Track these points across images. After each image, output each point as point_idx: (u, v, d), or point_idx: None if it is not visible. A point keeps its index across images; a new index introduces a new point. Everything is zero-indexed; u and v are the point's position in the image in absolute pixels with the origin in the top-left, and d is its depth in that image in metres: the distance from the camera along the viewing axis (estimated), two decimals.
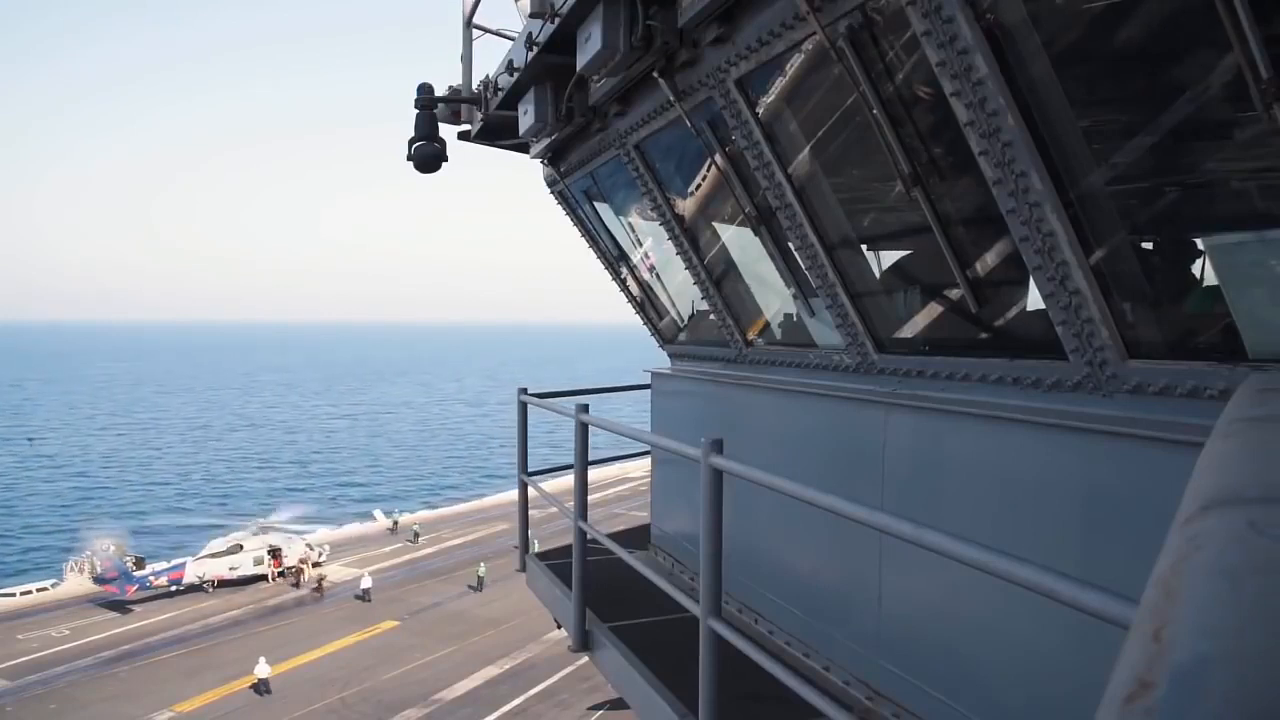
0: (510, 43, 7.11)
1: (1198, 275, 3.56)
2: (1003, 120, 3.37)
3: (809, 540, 5.70)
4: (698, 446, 3.59)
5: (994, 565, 2.03)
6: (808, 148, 4.97)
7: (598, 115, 6.68)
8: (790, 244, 5.33)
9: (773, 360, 6.34)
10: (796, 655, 5.70)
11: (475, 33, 7.70)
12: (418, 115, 7.71)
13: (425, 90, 7.75)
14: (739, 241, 6.26)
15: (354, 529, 60.41)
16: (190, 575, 46.48)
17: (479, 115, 7.86)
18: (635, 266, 8.24)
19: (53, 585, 47.88)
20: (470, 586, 47.95)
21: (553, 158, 8.04)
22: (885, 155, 4.16)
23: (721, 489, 3.62)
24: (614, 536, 6.37)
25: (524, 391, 7.82)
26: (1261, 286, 3.38)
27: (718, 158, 5.65)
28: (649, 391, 8.67)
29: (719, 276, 6.59)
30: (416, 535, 58.37)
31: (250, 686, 35.00)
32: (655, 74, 5.46)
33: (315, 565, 49.78)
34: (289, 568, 49.45)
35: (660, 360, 8.59)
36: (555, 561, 7.85)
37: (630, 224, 7.91)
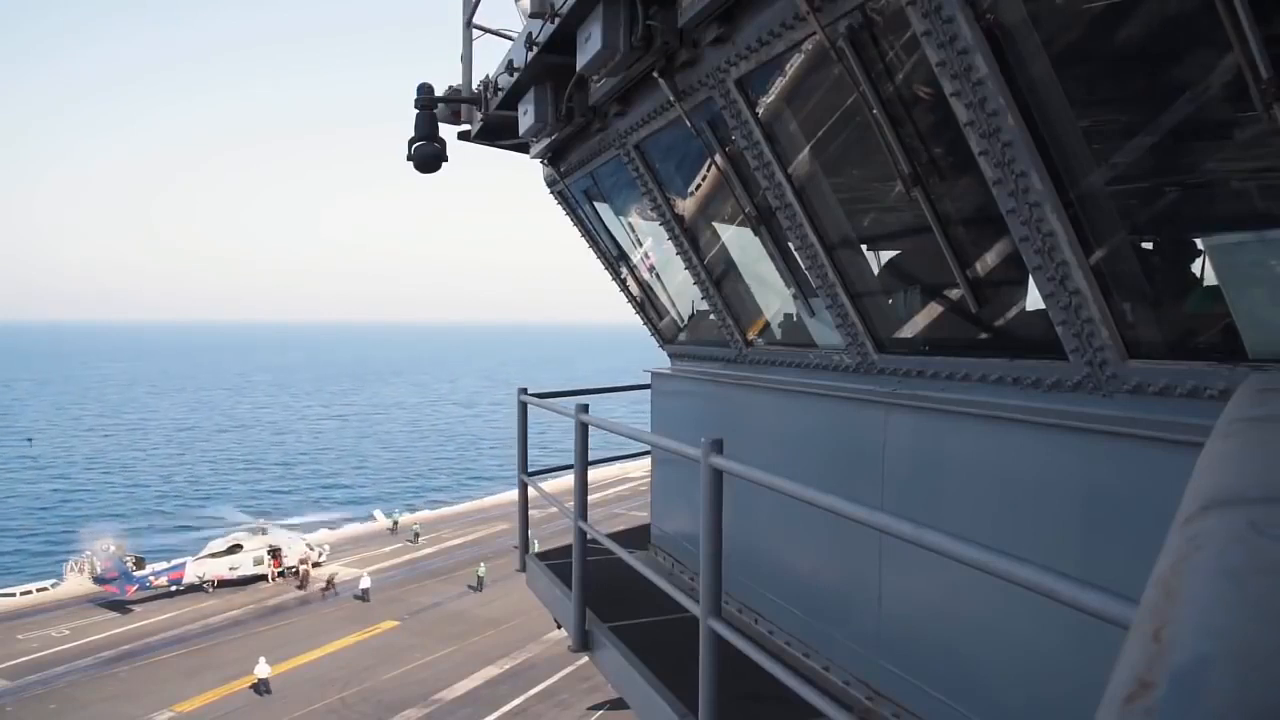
0: (510, 43, 7.11)
1: (1198, 275, 3.56)
2: (1003, 120, 3.37)
3: (809, 540, 5.70)
4: (698, 446, 3.59)
5: (994, 565, 2.03)
6: (808, 148, 4.97)
7: (598, 115, 6.68)
8: (790, 244, 5.33)
9: (773, 360, 6.34)
10: (796, 655, 5.70)
11: (475, 33, 7.70)
12: (418, 115, 7.71)
13: (425, 90, 7.75)
14: (739, 241, 6.26)
15: (354, 529, 60.40)
16: (190, 575, 46.47)
17: (479, 115, 7.86)
18: (635, 266, 8.24)
19: (53, 585, 47.87)
20: (470, 586, 47.94)
21: (553, 158, 8.04)
22: (885, 155, 4.16)
23: (721, 489, 3.62)
24: (614, 536, 6.37)
25: (524, 391, 7.82)
26: (1261, 286, 3.38)
27: (718, 158, 5.65)
28: (648, 391, 8.67)
29: (719, 276, 6.59)
30: (416, 535, 58.37)
31: (250, 686, 34.99)
32: (655, 74, 5.46)
33: (315, 565, 49.76)
34: (289, 568, 49.44)
35: (660, 360, 8.59)
36: (555, 561, 7.85)
37: (630, 224, 7.91)
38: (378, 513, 63.47)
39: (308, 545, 50.83)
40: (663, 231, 6.76)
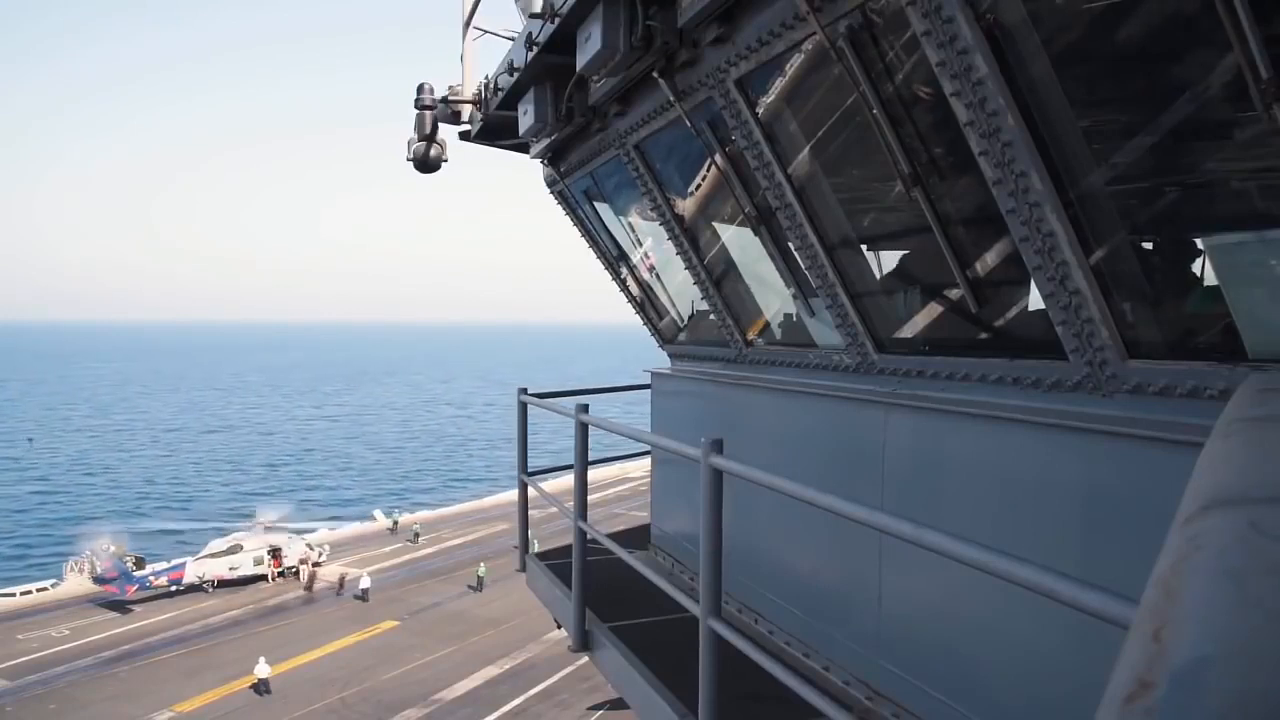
0: (510, 43, 7.11)
1: (1198, 275, 3.56)
2: (1003, 120, 3.37)
3: (809, 540, 5.70)
4: (698, 446, 3.59)
5: (994, 565, 2.03)
6: (808, 148, 4.97)
7: (598, 115, 6.68)
8: (790, 244, 5.33)
9: (773, 360, 6.34)
10: (796, 655, 5.70)
11: (475, 33, 7.70)
12: (418, 115, 7.71)
13: (425, 90, 7.75)
14: (739, 241, 6.26)
15: (354, 529, 60.40)
16: (190, 575, 46.47)
17: (479, 115, 7.86)
18: (635, 266, 8.24)
19: (53, 585, 47.86)
20: (470, 586, 47.94)
21: (553, 158, 8.04)
22: (885, 155, 4.16)
23: (721, 489, 3.61)
24: (614, 536, 6.37)
25: (524, 391, 7.82)
26: (1261, 286, 3.39)
27: (718, 158, 5.65)
28: (648, 392, 8.67)
29: (719, 276, 6.59)
30: (416, 535, 58.37)
31: (250, 686, 34.99)
32: (655, 74, 5.46)
33: (316, 565, 49.76)
34: (289, 568, 49.44)
35: (659, 360, 8.59)
36: (555, 561, 7.85)
37: (630, 224, 7.91)
38: (378, 513, 63.48)
39: (308, 545, 50.84)
40: (662, 231, 6.76)
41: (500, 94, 7.23)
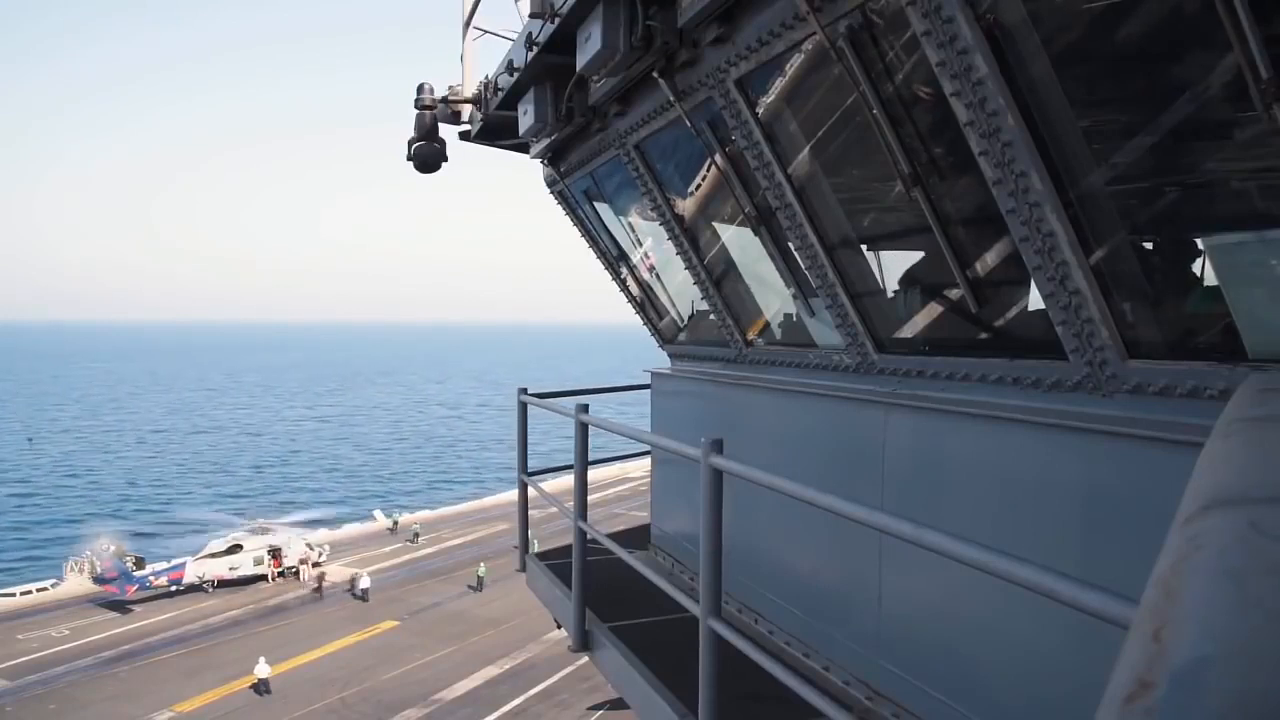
0: (510, 43, 7.11)
1: (1198, 275, 3.56)
2: (1003, 120, 3.37)
3: (809, 540, 5.70)
4: (698, 446, 3.59)
5: (994, 565, 2.03)
6: (808, 148, 4.97)
7: (598, 115, 6.68)
8: (790, 244, 5.33)
9: (773, 360, 6.34)
10: (796, 655, 5.70)
11: (475, 33, 7.70)
12: (418, 115, 7.71)
13: (425, 90, 7.75)
14: (739, 241, 6.26)
15: (354, 529, 60.38)
16: (190, 575, 46.45)
17: (479, 115, 7.86)
18: (635, 266, 8.24)
19: (53, 585, 47.86)
20: (470, 586, 47.92)
21: (553, 158, 8.04)
22: (885, 155, 4.16)
23: (721, 489, 3.61)
24: (614, 536, 6.37)
25: (524, 391, 7.82)
26: (1261, 286, 3.39)
27: (718, 158, 5.65)
28: (647, 392, 8.67)
29: (719, 276, 6.59)
30: (416, 535, 58.35)
31: (250, 686, 34.97)
32: (655, 74, 5.46)
33: (316, 565, 49.73)
34: (289, 568, 49.41)
35: (659, 360, 8.59)
36: (555, 561, 7.85)
37: (630, 224, 7.91)
38: (378, 512, 63.46)
39: (308, 545, 50.81)
40: (662, 231, 6.76)
41: (500, 94, 7.23)
